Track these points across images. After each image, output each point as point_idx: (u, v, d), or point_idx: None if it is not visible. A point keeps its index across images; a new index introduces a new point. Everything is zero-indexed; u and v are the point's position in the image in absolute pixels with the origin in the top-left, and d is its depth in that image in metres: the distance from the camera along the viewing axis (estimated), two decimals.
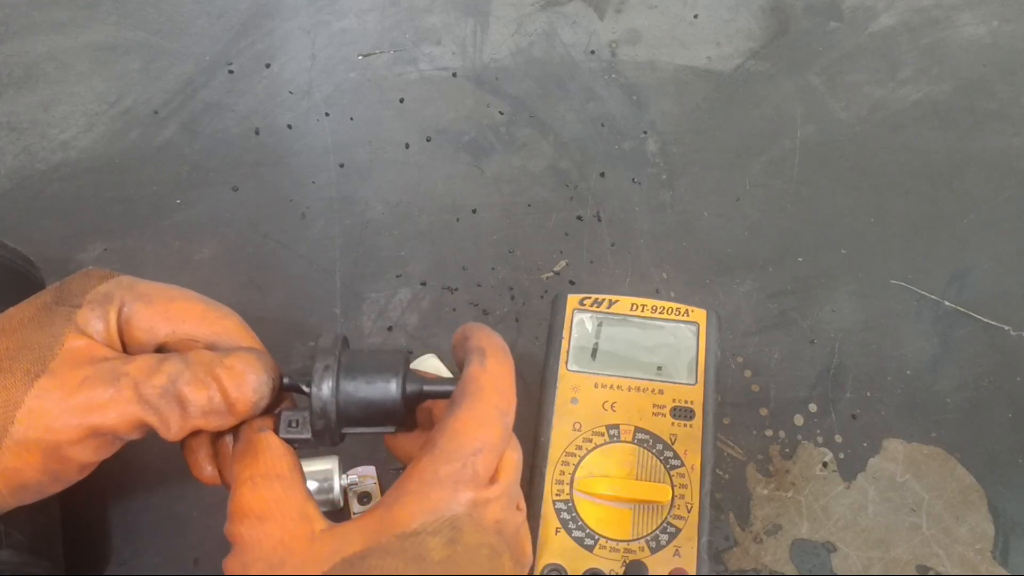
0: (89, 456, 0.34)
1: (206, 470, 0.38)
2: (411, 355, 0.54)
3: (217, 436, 0.38)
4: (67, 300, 0.35)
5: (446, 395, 0.36)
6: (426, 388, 0.37)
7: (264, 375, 0.35)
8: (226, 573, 0.32)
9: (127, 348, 0.36)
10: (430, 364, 0.52)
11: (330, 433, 0.36)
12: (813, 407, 0.54)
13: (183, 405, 0.33)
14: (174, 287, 0.37)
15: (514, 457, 0.36)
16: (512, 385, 0.36)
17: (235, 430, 0.37)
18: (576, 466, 0.46)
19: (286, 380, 0.37)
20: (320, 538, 0.32)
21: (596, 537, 0.45)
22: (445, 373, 0.52)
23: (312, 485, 0.48)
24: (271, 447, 0.34)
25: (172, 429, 0.33)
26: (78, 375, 0.33)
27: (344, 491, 0.48)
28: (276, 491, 0.33)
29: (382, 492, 0.49)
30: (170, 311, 0.36)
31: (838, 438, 0.53)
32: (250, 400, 0.34)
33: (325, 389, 0.35)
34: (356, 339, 0.56)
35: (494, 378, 0.35)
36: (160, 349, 0.36)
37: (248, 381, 0.34)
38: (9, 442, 0.32)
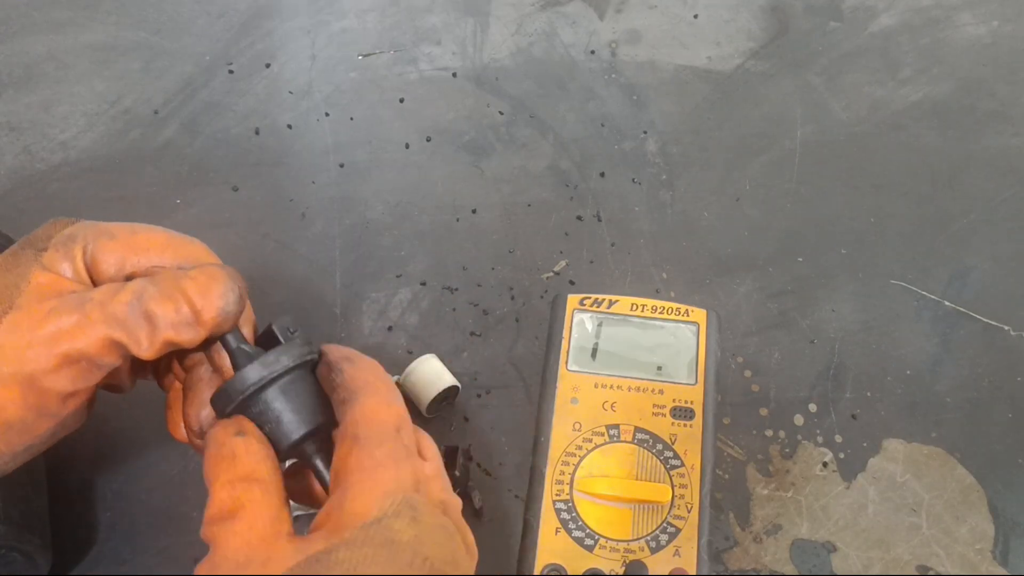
0: (66, 384, 0.33)
1: (180, 428, 0.39)
2: (411, 355, 0.54)
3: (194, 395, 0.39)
4: (33, 245, 0.36)
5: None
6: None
7: (230, 284, 0.35)
8: (197, 575, 0.32)
9: (96, 284, 0.36)
10: (430, 364, 0.52)
11: (228, 402, 0.35)
12: (813, 407, 0.54)
13: (151, 320, 0.33)
14: (138, 224, 0.38)
15: (427, 437, 0.36)
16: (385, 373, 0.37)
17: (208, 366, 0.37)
18: (576, 466, 0.46)
19: (274, 327, 0.36)
20: (287, 539, 0.32)
21: (596, 537, 0.45)
22: (445, 373, 0.52)
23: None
24: (251, 451, 0.34)
25: (143, 345, 0.33)
26: (44, 307, 0.33)
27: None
28: (255, 494, 0.32)
29: None
30: (134, 242, 0.36)
31: (838, 438, 0.53)
32: (216, 307, 0.34)
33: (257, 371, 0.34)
34: (356, 339, 0.56)
35: (370, 368, 0.36)
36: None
37: (213, 290, 0.34)
38: None
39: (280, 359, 0.35)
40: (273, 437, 0.34)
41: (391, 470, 0.33)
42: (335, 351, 0.37)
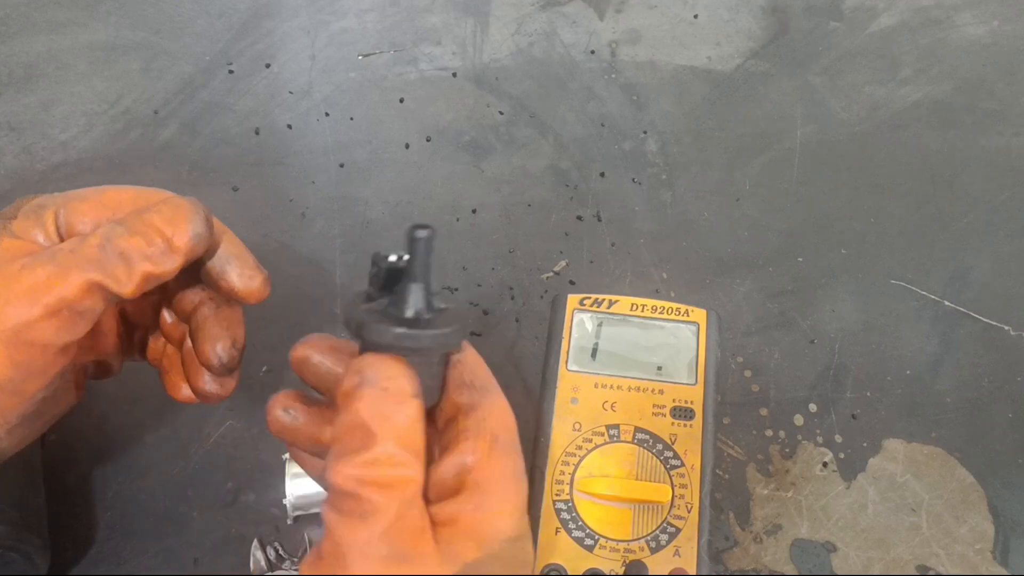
0: (51, 337, 0.33)
1: (182, 389, 0.39)
2: None
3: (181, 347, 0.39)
4: (3, 216, 0.36)
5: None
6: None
7: (194, 209, 0.36)
8: (340, 540, 0.29)
9: None
10: None
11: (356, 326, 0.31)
12: (813, 407, 0.54)
13: (125, 257, 0.34)
14: (103, 186, 0.38)
15: None
16: None
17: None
18: (576, 466, 0.46)
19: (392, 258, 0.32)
20: (431, 534, 0.30)
21: (596, 537, 0.45)
22: None
23: (311, 485, 0.47)
24: (421, 419, 0.30)
25: (123, 281, 0.34)
26: (16, 265, 0.33)
27: None
28: (417, 471, 0.29)
29: None
30: (105, 200, 0.37)
31: (838, 438, 0.53)
32: (187, 232, 0.35)
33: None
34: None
35: (484, 363, 0.34)
36: None
37: (180, 216, 0.35)
38: None
39: (456, 333, 0.31)
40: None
41: (523, 484, 0.32)
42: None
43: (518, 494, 0.31)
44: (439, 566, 0.29)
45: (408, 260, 0.31)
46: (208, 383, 0.39)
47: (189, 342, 0.39)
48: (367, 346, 0.32)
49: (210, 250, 0.38)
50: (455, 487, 0.31)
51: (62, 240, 0.36)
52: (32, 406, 0.35)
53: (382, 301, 0.32)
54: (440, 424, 0.34)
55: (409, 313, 0.31)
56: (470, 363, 0.34)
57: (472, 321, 0.34)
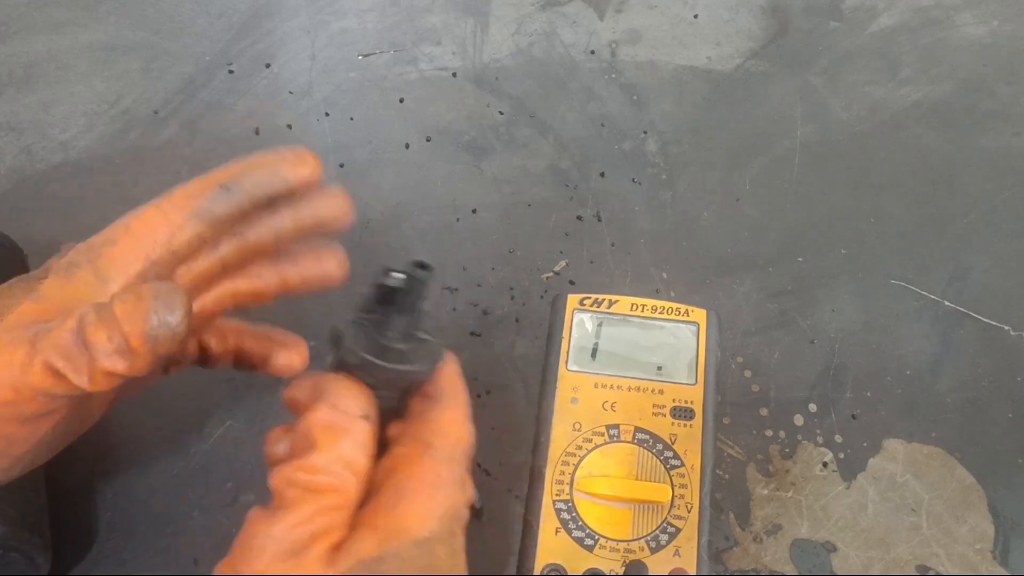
0: (27, 412, 0.32)
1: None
2: None
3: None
4: (35, 275, 0.35)
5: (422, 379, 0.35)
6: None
7: (159, 302, 0.31)
8: (250, 525, 0.30)
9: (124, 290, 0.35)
10: None
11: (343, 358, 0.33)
12: (813, 407, 0.54)
13: (90, 348, 0.31)
14: (120, 219, 0.36)
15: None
16: None
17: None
18: (576, 466, 0.46)
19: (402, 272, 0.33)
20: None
21: (596, 537, 0.45)
22: None
23: None
24: (366, 439, 0.32)
25: (83, 374, 0.31)
26: (7, 336, 0.32)
27: None
28: (348, 488, 0.31)
29: None
30: (135, 235, 0.35)
31: (838, 438, 0.53)
32: (142, 332, 0.31)
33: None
34: None
35: (458, 378, 0.35)
36: (171, 265, 0.36)
37: (139, 312, 0.31)
38: None
39: (421, 372, 0.33)
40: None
41: (450, 494, 0.32)
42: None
43: (439, 499, 0.32)
44: (327, 567, 0.30)
45: (403, 290, 0.33)
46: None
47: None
48: (336, 359, 0.33)
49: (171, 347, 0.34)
50: (382, 486, 0.32)
51: (114, 287, 0.35)
52: (27, 452, 0.34)
53: (373, 316, 0.33)
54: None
55: (386, 340, 0.33)
56: (442, 375, 0.35)
57: (441, 355, 0.34)
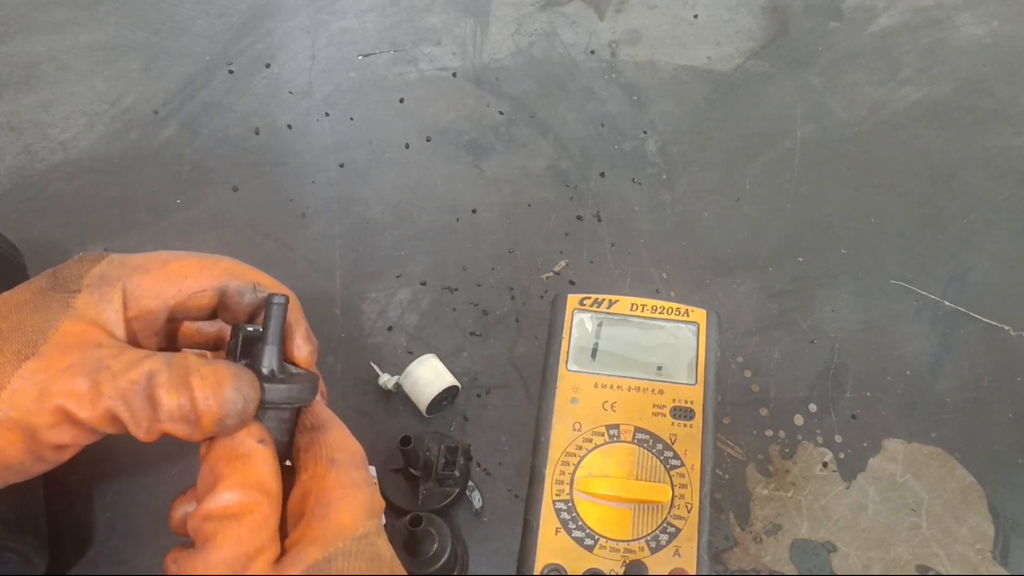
0: (64, 439, 0.33)
1: None
2: (411, 355, 0.54)
3: None
4: (64, 286, 0.35)
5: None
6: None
7: (236, 392, 0.33)
8: (181, 573, 0.32)
9: (136, 322, 0.36)
10: (430, 364, 0.52)
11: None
12: (813, 407, 0.54)
13: (155, 406, 0.32)
14: (161, 252, 0.37)
15: None
16: None
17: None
18: (576, 466, 0.46)
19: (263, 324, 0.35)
20: (280, 550, 0.33)
21: (596, 537, 0.45)
22: (445, 373, 0.52)
23: None
24: (268, 462, 0.34)
25: (142, 428, 0.33)
26: (64, 361, 0.33)
27: None
28: (264, 503, 0.32)
29: (382, 492, 0.49)
30: (169, 273, 0.36)
31: (838, 438, 0.53)
32: (215, 415, 0.32)
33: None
34: (356, 339, 0.56)
35: (326, 406, 0.37)
36: (172, 316, 0.37)
37: (219, 394, 0.33)
38: None
39: (305, 389, 0.35)
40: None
41: (369, 492, 0.34)
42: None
43: (362, 499, 0.33)
44: (278, 571, 0.31)
45: (264, 325, 0.35)
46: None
47: None
48: None
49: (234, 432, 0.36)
50: (303, 511, 0.33)
51: (127, 313, 0.35)
52: (33, 475, 0.35)
53: (246, 361, 0.35)
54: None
55: (264, 370, 0.34)
56: (316, 406, 0.36)
57: (316, 384, 0.36)
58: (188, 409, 0.32)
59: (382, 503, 0.35)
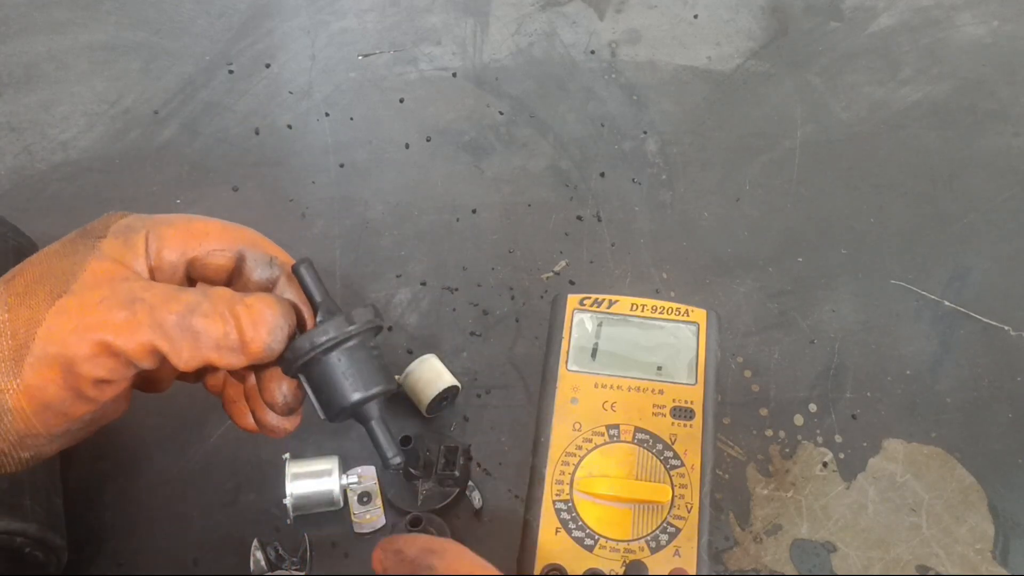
0: (102, 373, 0.34)
1: (248, 417, 0.40)
2: (411, 355, 0.54)
3: (244, 381, 0.39)
4: (91, 234, 0.36)
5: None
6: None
7: (282, 319, 0.35)
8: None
9: (156, 272, 0.36)
10: (430, 364, 0.52)
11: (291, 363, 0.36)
12: (813, 407, 0.54)
13: (196, 336, 0.33)
14: (190, 214, 0.38)
15: None
16: None
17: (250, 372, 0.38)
18: (576, 466, 0.46)
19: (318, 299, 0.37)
20: None
21: (596, 537, 0.45)
22: (445, 373, 0.52)
23: (311, 485, 0.48)
24: None
25: (183, 357, 0.34)
26: (96, 295, 0.33)
27: (344, 491, 0.48)
28: None
29: (382, 492, 0.49)
30: (192, 229, 0.37)
31: (838, 438, 0.53)
32: (264, 341, 0.34)
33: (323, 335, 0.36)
34: None
35: None
36: (189, 274, 0.37)
37: (266, 321, 0.34)
38: (31, 359, 0.33)
39: (352, 321, 0.36)
40: (333, 397, 0.36)
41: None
42: None
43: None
44: None
45: (303, 288, 0.38)
46: (273, 418, 0.39)
47: (253, 378, 0.39)
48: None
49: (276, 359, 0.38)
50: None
51: (149, 262, 0.36)
52: (77, 424, 0.35)
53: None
54: None
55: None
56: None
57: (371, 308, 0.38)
58: (234, 338, 0.34)
59: None
